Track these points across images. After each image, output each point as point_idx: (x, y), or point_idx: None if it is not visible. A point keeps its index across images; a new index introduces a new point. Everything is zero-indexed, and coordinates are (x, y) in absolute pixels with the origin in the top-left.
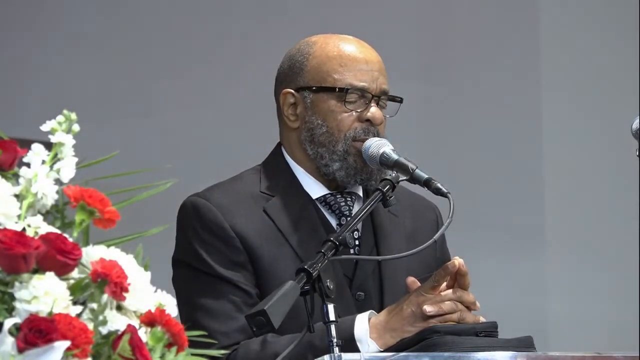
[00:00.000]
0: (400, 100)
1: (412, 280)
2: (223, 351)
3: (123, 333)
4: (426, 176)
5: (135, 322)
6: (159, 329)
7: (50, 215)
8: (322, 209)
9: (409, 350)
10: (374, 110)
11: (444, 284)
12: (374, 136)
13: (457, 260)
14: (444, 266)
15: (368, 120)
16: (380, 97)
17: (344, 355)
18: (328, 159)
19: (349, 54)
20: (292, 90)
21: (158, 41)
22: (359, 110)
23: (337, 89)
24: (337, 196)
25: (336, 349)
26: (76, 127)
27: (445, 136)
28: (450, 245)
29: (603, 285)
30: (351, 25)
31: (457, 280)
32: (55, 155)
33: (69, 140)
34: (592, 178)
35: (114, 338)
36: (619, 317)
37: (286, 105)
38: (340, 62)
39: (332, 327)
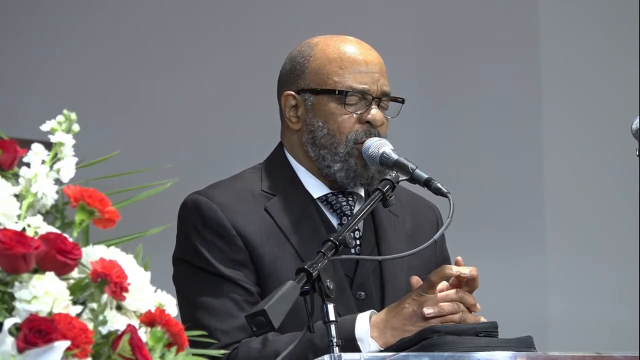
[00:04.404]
0: (402, 101)
1: (416, 279)
2: (223, 350)
3: (123, 333)
4: (426, 176)
5: (135, 322)
6: (158, 328)
7: (50, 215)
8: (324, 209)
9: (409, 350)
10: (374, 112)
11: (447, 283)
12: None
13: (456, 268)
14: (441, 268)
15: (369, 122)
16: (381, 99)
17: (344, 355)
18: (330, 160)
19: (349, 55)
20: (294, 93)
21: (158, 41)
22: (359, 112)
23: (337, 92)
24: (339, 196)
25: (336, 349)
26: (76, 127)
27: (446, 136)
28: (450, 245)
29: (603, 285)
30: (352, 25)
31: (467, 282)
32: (55, 155)
33: (69, 140)
34: (592, 178)
35: (114, 338)
36: (619, 317)
37: (288, 107)
38: (341, 64)
39: (332, 327)
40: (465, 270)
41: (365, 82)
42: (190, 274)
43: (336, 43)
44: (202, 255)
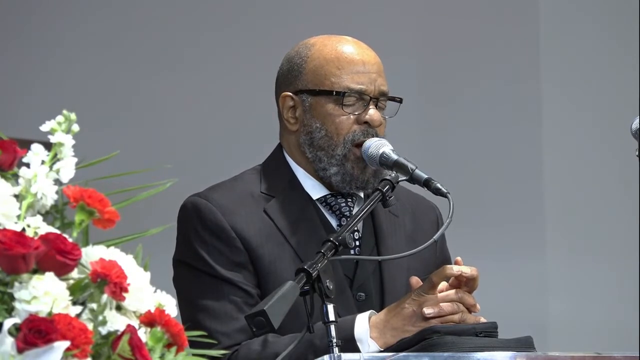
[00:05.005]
0: (400, 101)
1: (416, 280)
2: (224, 351)
3: (123, 333)
4: (426, 176)
5: (135, 322)
6: (158, 329)
7: (49, 215)
8: (323, 210)
9: (409, 350)
10: (372, 113)
11: (447, 283)
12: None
13: (457, 268)
14: (442, 268)
15: (366, 122)
16: (379, 99)
17: (344, 355)
18: (326, 162)
19: (347, 56)
20: (291, 94)
21: (158, 41)
22: (357, 113)
23: (334, 92)
24: (338, 197)
25: (336, 349)
26: (76, 127)
27: (445, 136)
28: (450, 245)
29: (603, 285)
30: (352, 26)
31: (467, 282)
32: (55, 155)
33: (68, 141)
34: (592, 178)
35: (113, 338)
36: (619, 317)
37: (285, 108)
38: (338, 64)
39: (332, 328)
40: (467, 270)
41: (362, 82)
42: (190, 277)
43: (333, 43)
44: (202, 257)
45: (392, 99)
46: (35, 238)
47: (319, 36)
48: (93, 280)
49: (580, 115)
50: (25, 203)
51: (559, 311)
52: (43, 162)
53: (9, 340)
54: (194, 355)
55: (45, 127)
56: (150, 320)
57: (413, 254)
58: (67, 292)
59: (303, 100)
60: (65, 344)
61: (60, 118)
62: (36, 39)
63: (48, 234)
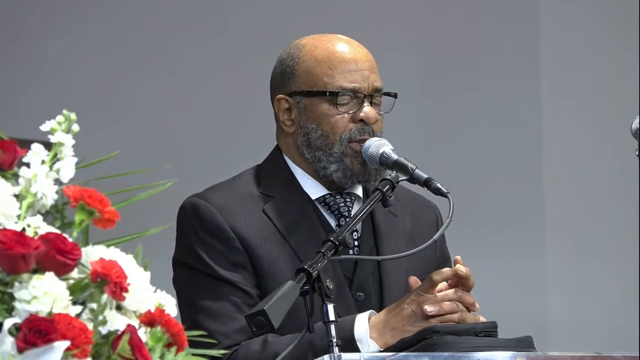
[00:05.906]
0: (395, 95)
1: (414, 280)
2: (223, 351)
3: (123, 333)
4: (426, 176)
5: (135, 322)
6: (158, 329)
7: (50, 215)
8: (322, 210)
9: (409, 350)
10: (367, 110)
11: (446, 283)
12: (370, 135)
13: (458, 267)
14: (443, 269)
15: (362, 120)
16: (373, 95)
17: (344, 355)
18: (325, 161)
19: (338, 55)
20: (285, 96)
21: (158, 41)
22: (351, 112)
23: (328, 93)
24: (337, 197)
25: (336, 349)
26: (76, 127)
27: (446, 136)
28: (450, 245)
29: (603, 285)
30: (352, 25)
31: (462, 282)
32: (55, 155)
33: (68, 140)
34: (592, 178)
35: (113, 338)
36: (619, 317)
37: (281, 111)
38: (330, 64)
39: (332, 327)
40: (463, 268)
41: (355, 81)
42: (190, 277)
43: (324, 43)
44: (201, 258)
45: (387, 94)
46: (35, 238)
47: (310, 36)
48: (93, 280)
49: (580, 115)
50: (25, 203)
51: (559, 311)
52: (43, 162)
53: (9, 340)
54: (193, 355)
55: (45, 127)
56: (150, 320)
57: (413, 254)
58: (67, 292)
59: (298, 102)
60: (65, 343)
61: (60, 118)
62: (36, 39)
63: (48, 234)
